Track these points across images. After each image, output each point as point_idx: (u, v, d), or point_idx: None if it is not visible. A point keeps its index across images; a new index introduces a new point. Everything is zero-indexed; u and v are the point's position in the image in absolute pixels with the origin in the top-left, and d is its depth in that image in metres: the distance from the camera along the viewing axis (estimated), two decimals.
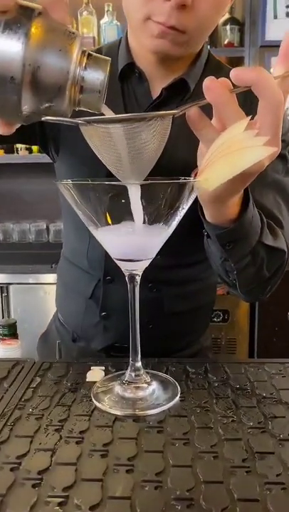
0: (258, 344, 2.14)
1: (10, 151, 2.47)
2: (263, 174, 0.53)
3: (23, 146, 2.45)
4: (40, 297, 2.22)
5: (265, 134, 0.47)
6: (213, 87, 0.47)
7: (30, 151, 2.49)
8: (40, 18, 0.37)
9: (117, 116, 0.46)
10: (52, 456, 0.45)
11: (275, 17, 2.20)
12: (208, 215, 0.60)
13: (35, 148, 2.50)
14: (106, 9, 2.23)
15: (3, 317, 2.10)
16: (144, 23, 0.64)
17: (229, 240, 0.61)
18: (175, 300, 0.86)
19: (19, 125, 0.44)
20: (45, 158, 2.88)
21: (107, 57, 0.41)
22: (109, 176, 0.52)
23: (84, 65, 0.40)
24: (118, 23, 2.25)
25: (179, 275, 0.84)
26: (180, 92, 0.74)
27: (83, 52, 0.40)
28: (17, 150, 2.47)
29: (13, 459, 0.44)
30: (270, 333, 2.13)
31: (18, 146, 2.46)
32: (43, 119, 0.43)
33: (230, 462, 0.43)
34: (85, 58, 0.40)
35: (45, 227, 2.61)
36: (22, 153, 2.46)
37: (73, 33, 0.39)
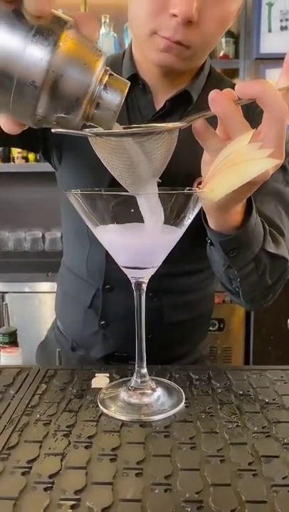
0: (253, 353, 2.15)
1: (6, 159, 2.48)
2: (263, 183, 0.55)
3: (20, 155, 2.47)
4: (36, 306, 2.23)
5: (269, 145, 0.49)
6: (218, 100, 0.48)
7: (27, 160, 2.50)
8: (72, 31, 0.38)
9: (126, 130, 0.47)
10: (62, 460, 0.46)
11: (270, 30, 2.25)
12: (212, 223, 0.62)
13: (31, 157, 2.52)
14: (103, 21, 2.26)
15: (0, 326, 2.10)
16: (150, 37, 0.66)
17: (233, 247, 0.62)
18: (175, 309, 0.87)
19: (27, 127, 0.45)
20: (41, 167, 2.88)
21: (127, 81, 0.43)
22: (113, 182, 0.54)
23: (104, 83, 0.41)
24: (115, 35, 2.28)
25: (179, 284, 0.86)
26: (183, 104, 0.75)
27: (106, 70, 0.41)
28: (13, 159, 2.49)
29: (24, 464, 0.45)
30: (265, 341, 2.14)
31: (15, 155, 2.47)
32: (53, 130, 0.45)
33: (237, 465, 0.44)
34: (106, 77, 0.41)
35: (40, 235, 2.62)
36: (18, 162, 2.47)
37: (100, 51, 0.40)
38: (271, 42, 2.25)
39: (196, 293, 0.89)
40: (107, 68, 0.41)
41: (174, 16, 0.62)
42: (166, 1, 0.62)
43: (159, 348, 0.81)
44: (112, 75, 0.42)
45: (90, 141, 0.50)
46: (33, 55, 0.37)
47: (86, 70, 0.39)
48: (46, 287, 2.21)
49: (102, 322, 0.87)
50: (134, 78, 0.76)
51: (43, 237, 2.62)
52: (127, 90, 0.42)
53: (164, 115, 0.75)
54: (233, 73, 2.29)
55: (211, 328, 2.10)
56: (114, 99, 0.42)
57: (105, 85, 0.41)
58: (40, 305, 2.22)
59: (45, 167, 2.81)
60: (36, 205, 2.62)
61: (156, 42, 0.66)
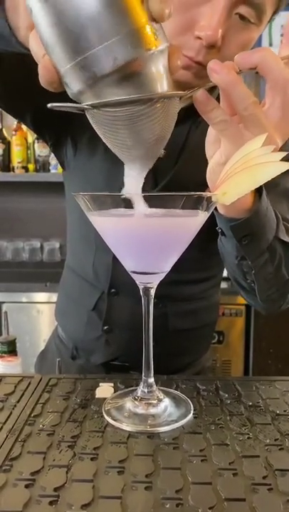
0: (252, 366, 2.13)
1: (6, 169, 2.48)
2: (275, 184, 0.53)
3: (20, 164, 2.46)
4: (34, 316, 2.21)
5: (274, 115, 0.48)
6: (218, 69, 0.47)
7: (26, 170, 2.50)
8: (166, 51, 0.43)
9: (123, 98, 0.43)
10: (67, 472, 0.43)
11: (270, 44, 2.27)
12: (222, 208, 0.60)
13: (31, 166, 2.52)
14: None
15: None
16: None
17: (245, 233, 0.60)
18: (179, 317, 0.85)
19: (59, 89, 0.43)
20: (40, 177, 2.86)
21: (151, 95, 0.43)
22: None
23: None
24: None
25: (183, 292, 0.84)
26: (195, 113, 0.74)
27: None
28: (13, 168, 2.48)
29: (27, 476, 0.43)
30: (265, 354, 2.12)
31: (15, 164, 2.46)
32: (49, 105, 0.43)
33: (250, 479, 0.42)
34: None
35: (39, 245, 2.61)
36: (18, 172, 2.46)
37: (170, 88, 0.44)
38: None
39: (200, 301, 0.87)
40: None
41: (199, 38, 0.61)
42: (193, 22, 0.61)
43: (163, 357, 0.79)
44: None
45: (88, 115, 0.46)
46: (132, 41, 0.39)
47: (155, 88, 0.42)
48: (44, 297, 2.19)
49: (106, 327, 0.85)
50: None
51: (42, 247, 2.61)
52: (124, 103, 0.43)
53: (177, 122, 0.74)
54: None
55: None
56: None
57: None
58: (37, 315, 2.20)
59: (45, 177, 2.81)
60: (35, 215, 2.62)
61: None
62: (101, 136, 0.48)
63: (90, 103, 0.43)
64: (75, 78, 0.41)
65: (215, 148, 0.55)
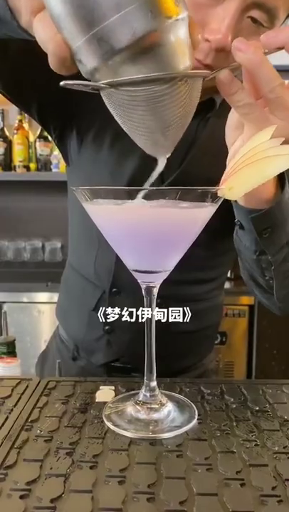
0: (255, 367, 2.11)
1: (7, 168, 2.46)
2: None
3: (21, 164, 2.44)
4: (34, 316, 2.19)
5: None
6: (244, 48, 0.43)
7: (28, 169, 2.48)
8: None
9: (145, 75, 0.40)
10: (65, 482, 0.41)
11: None
12: (241, 198, 0.56)
13: (32, 166, 2.50)
14: None
15: None
16: None
17: (266, 225, 0.57)
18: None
19: (73, 72, 0.39)
20: (42, 177, 2.84)
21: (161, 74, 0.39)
22: (131, 181, 0.50)
23: None
24: None
25: (187, 292, 0.82)
26: (204, 109, 0.72)
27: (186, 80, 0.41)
28: (14, 167, 2.46)
29: (23, 486, 0.40)
30: (268, 356, 2.10)
31: (16, 163, 2.44)
32: (61, 83, 0.40)
33: (259, 490, 0.40)
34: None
35: (40, 245, 2.59)
36: (20, 171, 2.44)
37: (190, 61, 0.41)
38: (277, 55, 2.24)
39: (203, 303, 0.85)
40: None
41: (208, 40, 0.59)
42: (203, 24, 0.59)
43: (166, 358, 0.77)
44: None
45: (103, 96, 0.43)
46: (151, 9, 0.36)
47: (177, 61, 0.39)
48: (45, 298, 2.17)
49: (107, 327, 0.83)
50: None
51: (43, 247, 2.60)
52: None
53: None
54: None
55: None
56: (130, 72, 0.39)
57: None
58: (38, 315, 2.18)
59: (46, 176, 2.78)
60: (37, 214, 2.60)
61: None
62: (116, 119, 0.45)
63: (107, 81, 0.40)
64: (89, 53, 0.37)
65: (236, 134, 0.52)
